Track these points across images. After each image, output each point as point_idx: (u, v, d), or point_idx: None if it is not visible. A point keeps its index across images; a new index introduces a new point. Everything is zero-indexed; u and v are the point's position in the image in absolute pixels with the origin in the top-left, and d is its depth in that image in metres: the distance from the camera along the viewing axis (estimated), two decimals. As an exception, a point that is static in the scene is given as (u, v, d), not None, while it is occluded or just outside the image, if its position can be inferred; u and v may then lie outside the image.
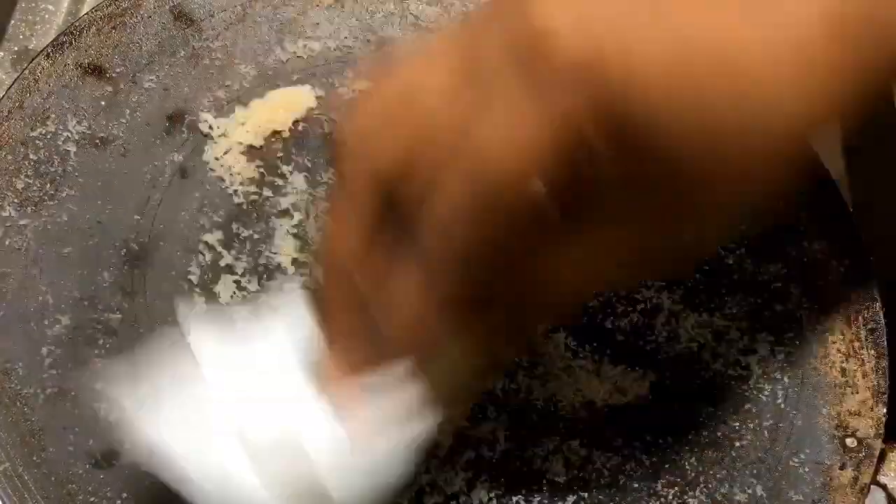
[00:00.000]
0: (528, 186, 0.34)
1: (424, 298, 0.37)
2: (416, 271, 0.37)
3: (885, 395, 0.51)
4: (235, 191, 0.54)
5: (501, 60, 0.34)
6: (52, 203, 0.52)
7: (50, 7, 0.67)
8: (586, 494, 0.49)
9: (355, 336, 0.39)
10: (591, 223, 0.36)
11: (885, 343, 0.52)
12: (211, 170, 0.54)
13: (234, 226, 0.53)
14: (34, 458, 0.47)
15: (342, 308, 0.40)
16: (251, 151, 0.55)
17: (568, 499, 0.49)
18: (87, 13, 0.57)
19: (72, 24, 0.56)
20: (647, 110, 0.33)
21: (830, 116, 0.36)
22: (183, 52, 0.56)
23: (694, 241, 0.39)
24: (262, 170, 0.55)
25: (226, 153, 0.55)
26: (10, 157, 0.52)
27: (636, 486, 0.49)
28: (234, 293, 0.52)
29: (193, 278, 0.52)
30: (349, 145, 0.38)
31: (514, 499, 0.49)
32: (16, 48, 0.65)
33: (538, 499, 0.49)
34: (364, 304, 0.38)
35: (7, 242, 0.51)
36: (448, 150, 0.35)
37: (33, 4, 0.67)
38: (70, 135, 0.53)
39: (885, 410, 0.50)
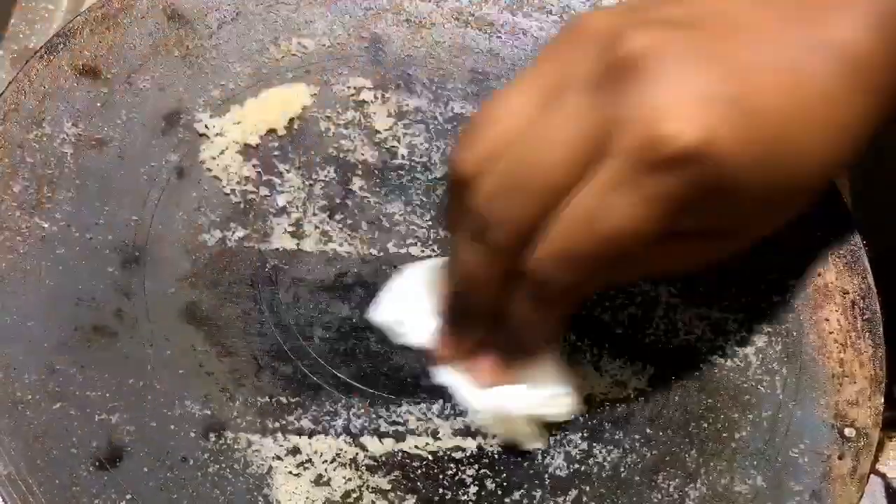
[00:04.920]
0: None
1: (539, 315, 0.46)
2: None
3: (883, 385, 0.51)
4: (232, 190, 0.54)
5: (624, 155, 0.40)
6: (49, 205, 0.52)
7: (50, 6, 0.67)
8: (587, 488, 0.50)
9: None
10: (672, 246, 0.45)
11: (882, 333, 0.52)
12: (207, 169, 0.54)
13: (232, 225, 0.54)
14: (37, 462, 0.47)
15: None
16: (247, 150, 0.55)
17: (570, 493, 0.49)
18: (80, 14, 0.56)
19: (65, 26, 0.56)
20: (736, 183, 0.41)
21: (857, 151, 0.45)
22: (177, 52, 0.56)
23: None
24: (258, 169, 0.55)
25: (222, 153, 0.55)
26: (6, 160, 0.52)
27: (637, 479, 0.50)
28: (234, 292, 0.52)
29: (192, 279, 0.52)
30: (476, 210, 0.44)
31: (517, 493, 0.49)
32: (15, 47, 0.65)
33: (540, 493, 0.49)
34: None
35: (6, 245, 0.51)
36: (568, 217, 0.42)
37: (33, 4, 0.67)
38: (66, 137, 0.53)
39: (882, 400, 0.51)
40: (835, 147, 0.43)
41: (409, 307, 0.51)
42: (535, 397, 0.49)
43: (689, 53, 0.41)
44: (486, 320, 0.48)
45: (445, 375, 0.50)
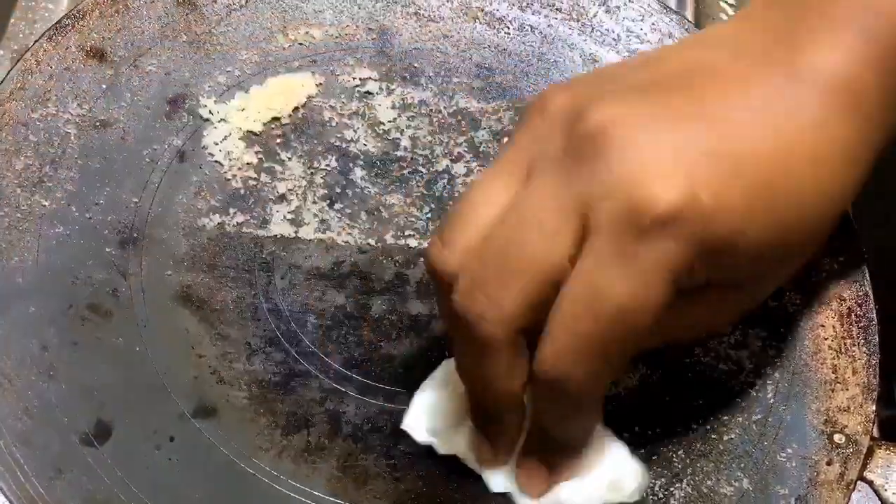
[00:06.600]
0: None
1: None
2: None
3: (875, 393, 0.51)
4: (234, 175, 0.55)
5: (608, 228, 0.39)
6: (50, 184, 0.53)
7: (50, 6, 0.68)
8: (573, 484, 0.49)
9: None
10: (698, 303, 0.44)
11: (877, 341, 0.52)
12: (210, 154, 0.55)
13: (231, 210, 0.54)
14: (25, 436, 0.47)
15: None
16: (250, 137, 0.56)
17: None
18: (89, -3, 0.57)
19: (75, 7, 0.56)
20: (732, 235, 0.40)
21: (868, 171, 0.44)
22: (185, 37, 0.57)
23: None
24: (260, 155, 0.55)
25: (225, 138, 0.55)
26: (10, 137, 0.53)
27: (623, 477, 0.49)
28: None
29: (189, 262, 0.52)
30: (457, 306, 0.41)
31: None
32: (15, 46, 0.66)
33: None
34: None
35: (5, 222, 0.51)
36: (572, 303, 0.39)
37: (33, 3, 0.67)
38: (70, 117, 0.54)
39: (874, 408, 0.50)
40: (832, 180, 0.42)
41: (440, 418, 0.48)
42: (594, 489, 0.47)
43: (656, 115, 0.40)
44: (514, 419, 0.45)
45: (498, 482, 0.47)
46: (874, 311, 0.53)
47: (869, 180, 0.45)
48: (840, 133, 0.42)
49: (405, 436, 0.49)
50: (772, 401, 0.51)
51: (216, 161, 0.55)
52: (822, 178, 0.42)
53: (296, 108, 0.57)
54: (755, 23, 0.44)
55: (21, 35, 0.66)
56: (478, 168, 0.56)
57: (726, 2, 0.73)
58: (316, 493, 0.48)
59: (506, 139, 0.48)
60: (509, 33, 0.60)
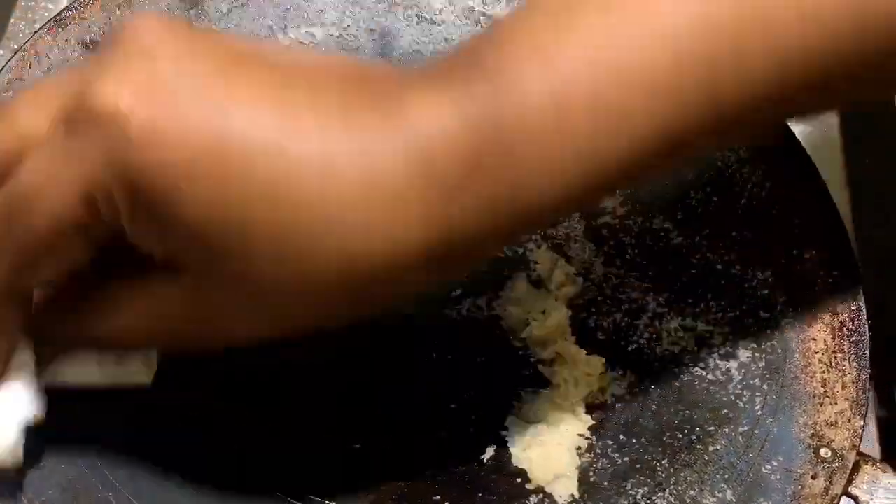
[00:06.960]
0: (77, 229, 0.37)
1: None
2: None
3: (864, 408, 0.50)
4: (229, 172, 0.55)
5: (59, 115, 0.36)
6: (44, 174, 0.53)
7: (50, 6, 0.68)
8: (555, 490, 0.49)
9: None
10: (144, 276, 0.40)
11: (868, 356, 0.51)
12: (206, 150, 0.55)
13: (225, 206, 0.54)
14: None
15: None
16: (247, 133, 0.56)
17: (537, 494, 0.49)
18: (92, -12, 0.57)
19: (76, 0, 0.56)
20: (168, 184, 0.34)
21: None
22: (185, 33, 0.57)
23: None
24: (256, 152, 0.55)
25: (222, 134, 0.55)
26: (6, 127, 0.53)
27: (605, 484, 0.49)
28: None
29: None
30: None
31: (479, 494, 0.49)
32: (15, 46, 0.66)
33: (505, 488, 0.49)
34: None
35: (-1, 211, 0.52)
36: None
37: (33, 3, 0.68)
38: (68, 108, 0.54)
39: (862, 423, 0.50)
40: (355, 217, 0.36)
41: None
42: None
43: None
44: None
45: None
46: (867, 326, 0.52)
47: (869, 180, 0.44)
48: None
49: (389, 435, 0.49)
50: (759, 413, 0.51)
51: (212, 157, 0.55)
52: (329, 200, 0.35)
53: (294, 107, 0.57)
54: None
55: (21, 35, 0.67)
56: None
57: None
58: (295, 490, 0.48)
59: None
60: (511, 38, 0.59)
